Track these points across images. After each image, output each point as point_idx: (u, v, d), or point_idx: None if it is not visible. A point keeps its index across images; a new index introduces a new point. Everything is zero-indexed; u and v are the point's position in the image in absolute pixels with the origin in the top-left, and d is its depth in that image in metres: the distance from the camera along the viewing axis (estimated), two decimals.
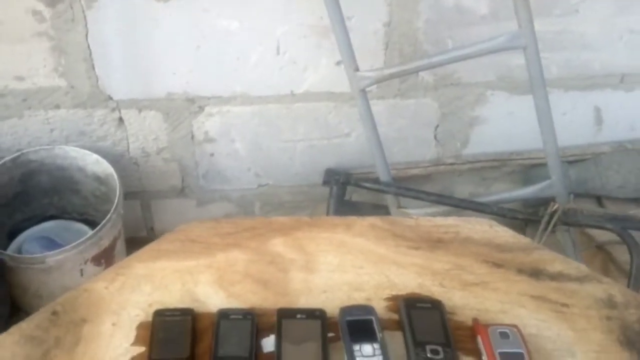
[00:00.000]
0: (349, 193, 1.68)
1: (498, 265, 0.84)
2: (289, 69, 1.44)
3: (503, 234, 0.89)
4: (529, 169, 1.68)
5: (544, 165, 1.51)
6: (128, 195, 1.58)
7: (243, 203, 1.70)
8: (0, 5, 1.25)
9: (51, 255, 1.28)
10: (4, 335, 0.73)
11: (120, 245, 1.46)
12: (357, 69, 1.30)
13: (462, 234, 0.88)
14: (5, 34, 1.29)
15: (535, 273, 0.83)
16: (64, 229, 1.56)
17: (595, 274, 0.84)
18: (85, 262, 1.33)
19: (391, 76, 1.33)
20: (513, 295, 0.80)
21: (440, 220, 0.90)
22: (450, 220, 0.90)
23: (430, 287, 0.80)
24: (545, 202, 1.43)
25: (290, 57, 1.43)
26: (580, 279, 0.83)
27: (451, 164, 1.65)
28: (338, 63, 1.43)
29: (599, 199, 1.64)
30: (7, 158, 1.42)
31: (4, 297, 1.24)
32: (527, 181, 1.67)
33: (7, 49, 1.31)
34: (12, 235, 1.52)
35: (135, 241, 1.62)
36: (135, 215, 1.65)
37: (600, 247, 1.48)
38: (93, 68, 1.36)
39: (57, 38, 1.30)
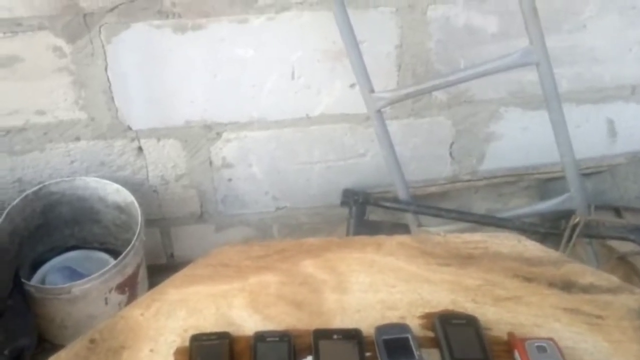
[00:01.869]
0: (368, 213, 1.69)
1: (529, 279, 0.84)
2: (304, 93, 1.46)
3: (532, 247, 0.89)
4: (545, 183, 1.68)
5: (560, 178, 1.52)
6: (148, 222, 1.59)
7: (261, 226, 1.71)
8: (22, 43, 1.28)
9: (77, 285, 1.29)
10: None
11: (143, 273, 1.47)
12: (372, 91, 1.32)
13: (491, 249, 0.88)
14: (27, 71, 1.32)
15: (567, 286, 0.84)
16: (85, 258, 1.57)
17: (627, 285, 0.84)
18: (110, 291, 1.34)
19: (407, 96, 1.34)
20: (546, 308, 0.80)
21: (468, 237, 0.91)
22: (479, 236, 0.90)
23: (463, 304, 0.81)
24: (562, 215, 1.43)
25: (305, 81, 1.45)
26: (612, 290, 0.83)
27: (468, 180, 1.66)
28: (352, 85, 1.45)
29: (617, 210, 1.64)
30: (29, 191, 1.44)
31: (30, 329, 1.25)
32: (543, 195, 1.67)
33: (28, 86, 1.34)
34: (35, 266, 1.53)
35: (155, 268, 1.64)
36: (155, 242, 1.66)
37: (622, 259, 1.47)
38: (112, 100, 1.38)
39: (77, 72, 1.33)
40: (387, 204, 1.49)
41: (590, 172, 1.65)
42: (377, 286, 0.83)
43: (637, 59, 1.50)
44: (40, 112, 1.38)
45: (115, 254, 1.54)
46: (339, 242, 0.89)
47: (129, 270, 1.36)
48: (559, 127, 1.28)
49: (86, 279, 1.29)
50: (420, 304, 0.81)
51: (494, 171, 1.66)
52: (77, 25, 1.28)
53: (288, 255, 0.86)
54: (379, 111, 1.34)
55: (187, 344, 0.75)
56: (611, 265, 1.51)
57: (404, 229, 1.52)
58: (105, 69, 1.34)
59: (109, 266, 1.30)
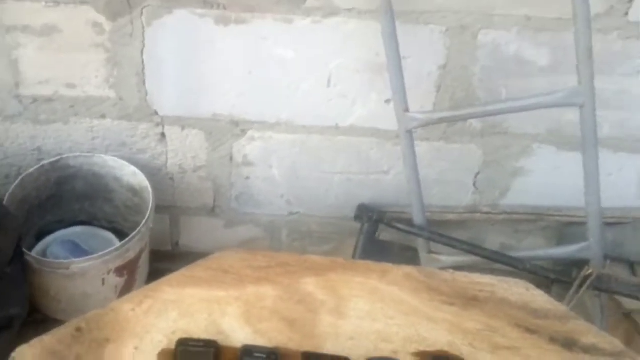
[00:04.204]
0: (380, 231, 1.66)
1: (532, 331, 0.81)
2: (338, 102, 1.44)
3: (540, 298, 0.86)
4: (564, 227, 1.64)
5: (580, 224, 1.47)
6: (159, 209, 1.58)
7: (271, 229, 1.69)
8: (63, 15, 1.28)
9: (76, 263, 1.28)
10: (26, 347, 0.72)
11: (145, 258, 1.46)
12: (407, 110, 1.29)
13: (498, 294, 0.86)
14: (64, 43, 1.31)
15: (569, 343, 0.81)
16: (91, 235, 1.57)
17: (630, 352, 0.81)
18: (109, 272, 1.34)
19: (440, 120, 1.31)
20: None
21: (477, 277, 0.88)
22: (487, 279, 0.88)
23: (460, 347, 0.78)
24: (576, 263, 1.39)
25: (341, 90, 1.42)
26: (614, 355, 0.80)
27: (487, 212, 1.62)
28: (387, 101, 1.42)
29: (632, 265, 1.59)
30: (46, 161, 1.44)
31: (23, 300, 1.24)
32: (561, 239, 1.63)
33: (63, 57, 1.34)
34: (40, 236, 1.53)
35: (159, 254, 1.63)
36: (163, 229, 1.66)
37: (627, 316, 1.43)
38: (144, 83, 1.38)
39: (114, 51, 1.32)
40: (400, 226, 1.46)
41: (613, 222, 1.60)
42: (375, 315, 0.80)
43: None
44: (71, 86, 1.39)
45: (121, 234, 1.53)
46: (344, 263, 0.87)
47: (131, 255, 1.35)
48: (591, 174, 1.24)
49: (86, 258, 1.28)
50: (416, 340, 0.78)
51: (515, 207, 1.62)
52: (120, 4, 1.27)
53: (291, 270, 0.84)
54: (409, 131, 1.31)
55: (173, 346, 0.73)
56: (615, 320, 1.47)
57: (414, 252, 1.49)
58: (142, 52, 1.33)
59: (111, 248, 1.29)
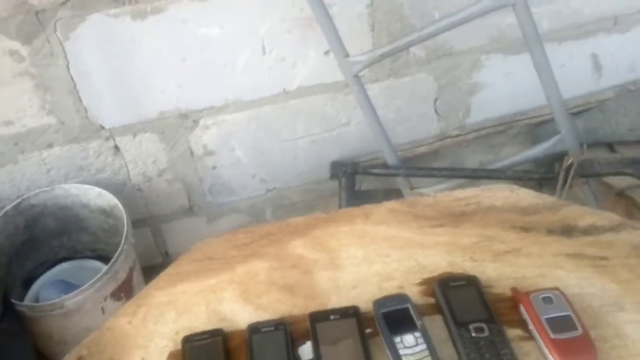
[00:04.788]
0: (359, 182, 1.65)
1: (527, 229, 0.81)
2: (278, 67, 1.41)
3: (526, 196, 0.85)
4: (535, 128, 1.64)
5: (549, 121, 1.48)
6: (137, 223, 1.55)
7: (254, 211, 1.67)
8: None
9: (69, 298, 1.25)
10: None
11: (138, 276, 1.43)
12: (347, 55, 1.27)
13: (484, 203, 0.85)
14: None
15: (567, 230, 0.80)
16: (78, 269, 1.53)
17: (628, 221, 0.81)
18: (105, 299, 1.30)
19: (382, 57, 1.29)
20: (548, 257, 0.77)
21: (459, 193, 0.87)
22: (470, 192, 0.87)
23: (461, 264, 0.77)
24: (557, 158, 1.39)
25: (278, 54, 1.39)
26: (614, 229, 0.80)
27: (456, 135, 1.62)
28: (326, 52, 1.40)
29: (610, 146, 1.60)
30: (8, 207, 1.39)
31: (27, 351, 1.21)
32: (535, 140, 1.63)
33: None
34: (27, 283, 1.49)
35: (152, 270, 1.59)
36: (148, 243, 1.62)
37: (621, 194, 1.44)
38: (80, 100, 1.33)
39: (39, 75, 1.27)
40: (376, 171, 1.45)
41: (579, 111, 1.60)
42: (371, 258, 0.79)
43: None
44: (8, 123, 1.33)
45: (108, 260, 1.48)
46: (325, 217, 0.85)
47: (122, 275, 1.32)
48: (543, 68, 1.23)
49: (78, 291, 1.25)
50: (417, 270, 0.77)
51: (482, 122, 1.61)
52: (31, 25, 1.21)
53: (274, 238, 0.82)
54: (356, 76, 1.29)
55: (179, 347, 0.71)
56: (611, 202, 1.47)
57: (398, 194, 1.48)
58: (68, 68, 1.28)
59: (99, 274, 1.26)
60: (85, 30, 1.24)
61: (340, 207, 1.52)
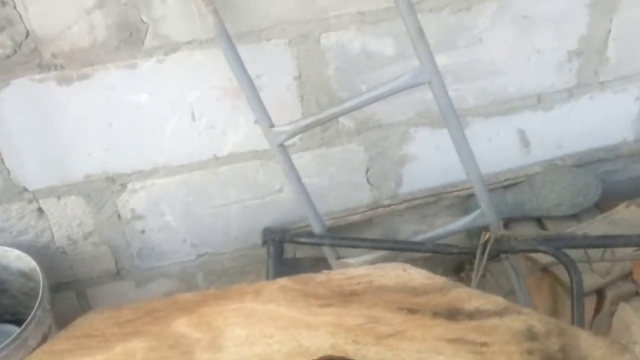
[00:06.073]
0: (292, 250, 1.65)
1: (413, 311, 0.81)
2: (208, 134, 1.42)
3: (417, 276, 0.86)
4: (466, 200, 1.66)
5: None
6: (61, 286, 1.52)
7: (184, 276, 1.65)
8: None
9: None
10: None
11: None
12: (272, 125, 1.29)
13: (375, 282, 0.85)
14: None
15: (452, 314, 0.80)
16: None
17: (514, 306, 0.82)
18: None
19: (306, 128, 1.31)
20: (430, 342, 0.77)
21: (352, 272, 0.87)
22: (362, 270, 0.87)
23: (343, 346, 0.77)
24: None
25: (207, 121, 1.41)
26: (499, 313, 0.80)
27: (388, 205, 1.63)
28: (256, 121, 1.42)
29: (539, 220, 1.63)
30: None
31: None
32: (466, 212, 1.65)
33: None
34: None
35: None
36: (71, 307, 1.59)
37: (545, 270, 1.45)
38: (2, 162, 1.32)
39: None
40: (303, 240, 1.45)
41: (509, 184, 1.63)
42: (253, 338, 0.78)
43: (537, 67, 1.50)
44: None
45: None
46: (216, 294, 0.84)
47: (33, 343, 1.27)
48: (460, 143, 1.27)
49: None
50: (298, 352, 0.76)
51: (414, 193, 1.63)
52: None
53: (159, 315, 0.81)
54: (281, 145, 1.31)
55: None
56: (536, 278, 1.49)
57: (325, 263, 1.48)
58: None
59: (5, 342, 1.22)
60: (8, 95, 1.24)
61: (267, 275, 1.51)
